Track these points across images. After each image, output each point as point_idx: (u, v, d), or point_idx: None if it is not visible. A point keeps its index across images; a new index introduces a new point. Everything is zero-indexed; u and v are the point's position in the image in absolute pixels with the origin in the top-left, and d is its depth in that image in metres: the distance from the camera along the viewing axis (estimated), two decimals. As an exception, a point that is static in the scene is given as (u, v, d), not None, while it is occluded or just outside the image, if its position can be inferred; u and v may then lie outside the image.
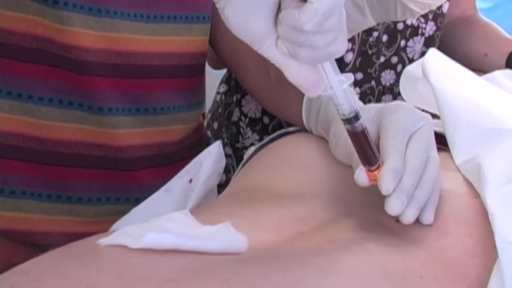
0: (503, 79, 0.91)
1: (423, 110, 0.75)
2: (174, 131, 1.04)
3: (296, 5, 0.55)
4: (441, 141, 0.81)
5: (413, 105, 0.80)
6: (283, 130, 0.93)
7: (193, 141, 1.09)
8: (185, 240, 0.57)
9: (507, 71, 0.95)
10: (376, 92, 1.32)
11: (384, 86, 1.32)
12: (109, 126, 0.94)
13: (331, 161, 0.78)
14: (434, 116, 0.88)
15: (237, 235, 0.61)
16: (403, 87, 0.99)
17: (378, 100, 1.33)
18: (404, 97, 0.98)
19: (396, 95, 1.34)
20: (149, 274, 0.53)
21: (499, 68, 1.32)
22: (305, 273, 0.56)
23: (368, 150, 0.65)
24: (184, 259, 0.56)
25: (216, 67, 1.52)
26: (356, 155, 0.68)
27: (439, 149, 0.76)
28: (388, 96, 1.34)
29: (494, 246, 0.63)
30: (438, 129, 0.83)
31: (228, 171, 1.34)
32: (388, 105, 0.74)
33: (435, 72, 0.85)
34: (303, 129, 0.90)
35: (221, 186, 0.97)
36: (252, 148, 0.93)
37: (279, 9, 0.56)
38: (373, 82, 1.31)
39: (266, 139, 0.93)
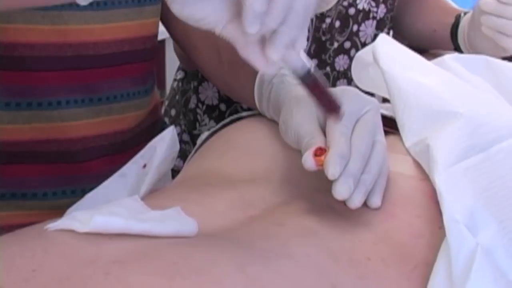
0: (452, 62, 0.92)
1: (373, 95, 0.76)
2: (129, 118, 1.03)
3: None
4: (392, 124, 0.82)
5: (365, 90, 0.81)
6: (236, 115, 0.94)
7: (147, 126, 1.08)
8: (134, 223, 0.57)
9: (456, 54, 0.96)
10: (331, 78, 1.33)
11: (338, 72, 1.33)
12: (59, 120, 0.93)
13: (283, 146, 0.78)
14: (385, 100, 0.89)
15: (187, 219, 0.61)
16: (355, 72, 1.00)
17: (333, 85, 1.33)
18: (356, 82, 0.99)
19: (351, 80, 1.34)
20: (96, 257, 0.53)
21: (448, 42, 1.35)
22: (253, 256, 0.57)
23: (327, 96, 0.66)
24: (132, 242, 0.56)
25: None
26: (305, 140, 0.69)
27: (389, 133, 0.77)
28: (343, 81, 1.35)
29: (440, 227, 0.64)
30: (389, 113, 0.84)
31: (186, 158, 1.34)
32: (334, 90, 0.74)
33: (385, 56, 0.86)
34: (256, 114, 0.90)
35: (178, 173, 0.97)
36: (206, 134, 0.93)
37: None
38: (328, 68, 1.32)
39: (220, 124, 0.93)
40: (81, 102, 0.95)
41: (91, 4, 0.91)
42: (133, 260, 0.53)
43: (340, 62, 1.33)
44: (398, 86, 0.82)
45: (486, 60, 0.95)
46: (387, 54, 0.86)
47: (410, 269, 0.63)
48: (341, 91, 0.73)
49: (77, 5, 0.90)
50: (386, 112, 0.83)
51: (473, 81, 0.88)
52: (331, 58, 1.31)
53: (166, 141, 0.90)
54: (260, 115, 0.90)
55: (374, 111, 0.72)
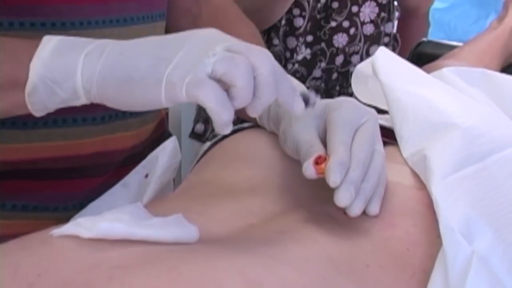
0: (450, 75, 0.93)
1: (372, 107, 0.77)
2: (145, 131, 1.02)
3: None
4: (390, 135, 0.83)
5: (365, 102, 0.82)
6: (236, 126, 0.94)
7: (156, 138, 1.07)
8: (136, 229, 0.58)
9: (455, 67, 0.97)
10: (328, 54, 1.44)
11: (337, 48, 1.44)
12: (75, 137, 0.91)
13: (283, 156, 0.79)
14: (385, 112, 0.90)
15: (188, 225, 0.62)
16: (355, 85, 1.01)
17: (331, 61, 1.45)
18: (356, 95, 1.00)
19: (350, 55, 1.46)
20: (99, 262, 0.54)
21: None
22: (254, 260, 0.58)
23: None
24: (134, 247, 0.57)
25: None
26: (304, 149, 0.70)
27: (388, 143, 0.79)
28: (341, 57, 1.45)
29: (438, 236, 0.65)
30: (388, 124, 0.85)
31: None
32: (333, 101, 0.76)
33: (385, 69, 0.87)
34: (256, 125, 0.91)
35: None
36: (207, 144, 0.94)
37: None
38: (323, 44, 1.42)
39: (221, 135, 0.94)
40: (100, 119, 0.92)
41: (110, 21, 0.90)
42: (136, 264, 0.54)
43: (339, 39, 1.43)
44: (396, 98, 0.83)
45: (484, 72, 0.97)
46: (386, 67, 0.88)
47: (408, 276, 0.64)
48: (340, 102, 0.75)
49: (97, 23, 0.88)
50: (385, 123, 0.84)
51: (471, 93, 0.89)
52: (327, 35, 1.42)
53: (167, 151, 0.90)
54: (259, 126, 0.90)
55: (372, 121, 0.73)
